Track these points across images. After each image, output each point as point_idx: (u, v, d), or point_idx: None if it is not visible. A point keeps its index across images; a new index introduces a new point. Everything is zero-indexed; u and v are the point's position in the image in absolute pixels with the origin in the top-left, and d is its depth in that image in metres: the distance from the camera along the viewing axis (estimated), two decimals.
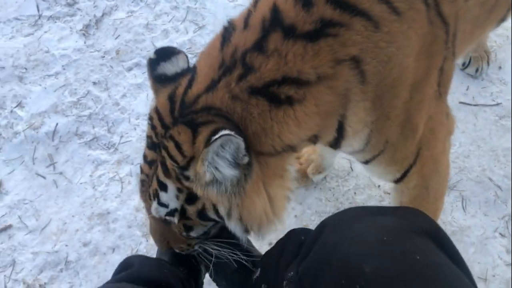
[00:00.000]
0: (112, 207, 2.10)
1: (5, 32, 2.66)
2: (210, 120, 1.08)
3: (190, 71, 1.20)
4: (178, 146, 1.11)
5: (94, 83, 2.49)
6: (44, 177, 2.18)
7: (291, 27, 1.08)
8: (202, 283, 1.60)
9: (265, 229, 1.23)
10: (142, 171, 1.27)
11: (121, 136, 2.31)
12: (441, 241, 0.94)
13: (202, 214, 1.20)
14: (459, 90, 2.51)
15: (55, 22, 2.73)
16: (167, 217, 1.24)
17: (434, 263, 0.84)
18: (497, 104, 2.45)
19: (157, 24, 2.73)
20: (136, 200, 2.12)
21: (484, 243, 2.03)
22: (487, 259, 1.99)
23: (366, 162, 1.40)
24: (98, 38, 2.66)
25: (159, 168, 1.18)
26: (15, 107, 2.38)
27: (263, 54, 1.09)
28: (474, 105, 2.45)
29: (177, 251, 1.39)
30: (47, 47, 2.61)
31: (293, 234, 1.37)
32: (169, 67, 1.24)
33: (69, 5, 2.79)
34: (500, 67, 2.59)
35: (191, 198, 1.18)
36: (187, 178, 1.14)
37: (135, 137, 2.31)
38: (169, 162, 1.15)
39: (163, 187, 1.18)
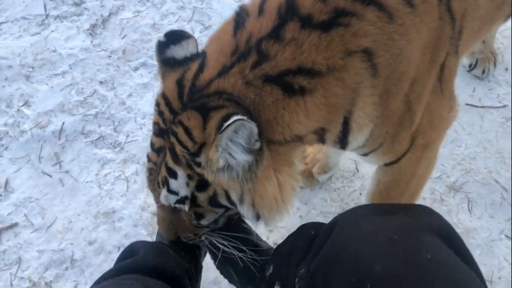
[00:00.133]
0: (117, 206, 2.11)
1: (13, 31, 2.68)
2: (221, 104, 1.07)
3: (199, 56, 1.18)
4: (188, 132, 1.10)
5: (101, 82, 2.50)
6: (50, 176, 2.19)
7: (308, 17, 1.08)
8: (201, 267, 1.59)
9: (273, 216, 1.22)
10: (149, 160, 1.25)
11: (127, 135, 2.32)
12: (451, 240, 0.93)
13: (213, 201, 1.19)
14: (465, 91, 2.50)
15: (62, 21, 2.74)
16: (177, 205, 1.22)
17: (444, 262, 0.83)
18: (504, 106, 2.44)
19: (164, 24, 2.74)
20: (141, 199, 2.13)
21: (490, 245, 2.02)
22: (493, 261, 1.98)
23: (365, 155, 1.40)
24: (105, 37, 2.67)
25: (168, 155, 1.16)
26: (22, 106, 2.39)
27: (280, 42, 1.08)
28: (481, 107, 2.45)
29: (183, 240, 1.38)
30: (54, 46, 2.62)
31: (303, 229, 1.37)
32: (179, 51, 1.21)
33: (76, 4, 2.80)
34: (506, 69, 2.59)
35: (202, 185, 1.16)
36: (198, 165, 1.12)
37: (141, 136, 2.32)
38: (178, 149, 1.13)
39: (173, 174, 1.16)
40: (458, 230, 2.01)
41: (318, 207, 2.13)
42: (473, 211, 2.12)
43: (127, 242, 2.02)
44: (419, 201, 2.12)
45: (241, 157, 1.09)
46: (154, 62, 2.35)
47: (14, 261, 1.97)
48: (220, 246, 1.38)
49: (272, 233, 2.04)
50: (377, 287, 0.82)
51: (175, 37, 1.22)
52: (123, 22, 2.73)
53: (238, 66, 1.09)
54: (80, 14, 2.77)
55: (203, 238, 1.38)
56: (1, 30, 2.68)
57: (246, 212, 1.19)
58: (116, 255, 1.98)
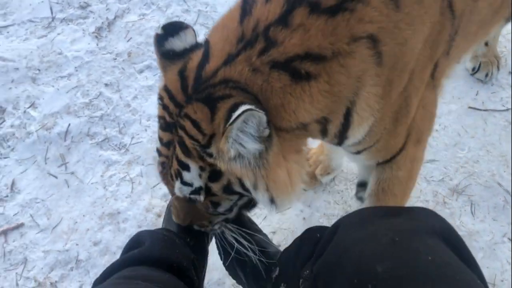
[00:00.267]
0: (122, 207, 2.13)
1: (19, 34, 2.70)
2: (227, 94, 1.07)
3: (199, 46, 1.18)
4: (196, 125, 1.10)
5: (106, 84, 2.52)
6: (56, 177, 2.21)
7: (317, 2, 1.07)
8: (207, 252, 1.60)
9: (285, 200, 1.22)
10: (160, 154, 1.24)
11: (132, 137, 2.34)
12: (453, 242, 0.94)
13: (228, 189, 1.19)
14: (468, 95, 2.51)
15: (68, 24, 2.76)
16: (192, 196, 1.22)
17: (446, 264, 0.84)
18: (507, 109, 2.45)
19: None
20: (146, 200, 2.14)
21: (493, 248, 2.03)
22: (495, 264, 1.99)
23: (358, 153, 1.39)
24: (110, 40, 2.70)
25: (178, 148, 1.16)
26: (28, 107, 2.42)
27: (288, 28, 1.07)
28: (484, 110, 2.45)
29: (196, 228, 1.38)
30: (60, 49, 2.65)
31: (309, 233, 1.37)
32: (177, 43, 1.20)
33: (82, 7, 2.83)
34: (510, 72, 2.59)
35: (215, 175, 1.16)
36: (210, 155, 1.12)
37: (146, 138, 2.34)
38: (188, 142, 1.13)
39: (185, 167, 1.17)
40: (460, 233, 2.02)
41: (322, 209, 2.14)
42: (476, 214, 2.12)
43: None
44: (421, 204, 2.13)
45: (252, 146, 1.09)
46: None
47: (20, 261, 1.99)
48: (231, 239, 1.39)
49: (275, 234, 2.06)
50: None
51: (172, 28, 1.21)
52: (128, 25, 2.75)
53: (245, 53, 1.08)
54: (86, 17, 2.79)
55: (216, 227, 1.39)
56: (8, 32, 2.71)
57: (261, 197, 1.19)
58: None
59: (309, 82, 1.09)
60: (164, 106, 1.17)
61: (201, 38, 2.77)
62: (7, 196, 2.16)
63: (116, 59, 2.62)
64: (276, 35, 1.07)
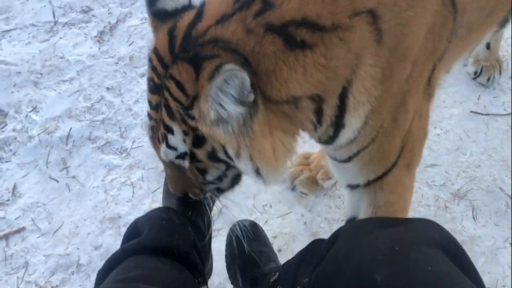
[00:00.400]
0: (123, 211, 2.13)
1: (22, 38, 2.72)
2: (215, 54, 1.04)
3: (192, 7, 1.15)
4: (180, 86, 1.07)
5: (108, 88, 2.52)
6: (57, 181, 2.22)
7: None
8: (210, 222, 1.59)
9: (271, 173, 1.19)
10: (150, 118, 1.22)
11: (133, 141, 2.34)
12: (453, 252, 0.93)
13: (212, 156, 1.17)
14: (470, 99, 2.51)
15: (70, 28, 2.77)
16: (177, 160, 1.21)
17: (445, 274, 0.84)
18: (509, 114, 2.44)
19: None
20: (147, 204, 2.14)
21: (495, 253, 2.02)
22: (497, 269, 1.98)
23: (348, 159, 1.32)
24: (112, 44, 2.70)
25: (164, 110, 1.14)
26: (30, 111, 2.43)
27: None
28: (486, 114, 2.45)
29: (190, 196, 1.37)
30: (62, 53, 2.65)
31: (315, 244, 1.36)
32: (169, 2, 1.17)
33: (84, 12, 2.84)
34: (511, 77, 2.59)
35: (199, 140, 1.14)
36: (192, 118, 1.10)
37: (147, 142, 2.34)
38: (172, 104, 1.11)
39: (170, 130, 1.15)
40: (462, 238, 2.03)
41: (323, 214, 2.14)
42: (477, 219, 2.12)
43: None
44: (423, 208, 2.13)
45: (233, 109, 1.05)
46: None
47: (21, 265, 2.00)
48: (223, 206, 1.40)
49: (276, 239, 2.05)
50: None
51: None
52: (130, 29, 2.76)
53: (240, 13, 1.05)
54: (88, 21, 2.80)
55: (208, 195, 1.37)
56: (10, 37, 2.72)
57: (244, 166, 1.16)
58: None
59: (304, 51, 1.06)
60: (152, 68, 1.15)
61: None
62: (8, 200, 2.16)
63: (118, 63, 2.63)
64: None
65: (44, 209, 2.14)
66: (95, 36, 2.73)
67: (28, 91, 2.50)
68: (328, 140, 1.27)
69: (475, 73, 2.54)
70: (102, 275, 1.21)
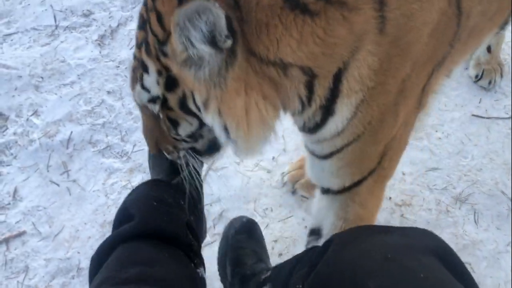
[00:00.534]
0: None
1: (23, 42, 2.72)
2: None
3: None
4: (159, 19, 1.04)
5: (109, 92, 2.52)
6: (58, 185, 2.22)
7: None
8: (202, 187, 1.56)
9: (241, 137, 1.13)
10: (134, 57, 1.18)
11: (134, 145, 2.34)
12: (448, 260, 0.92)
13: (183, 105, 1.13)
14: (472, 103, 2.50)
15: (71, 32, 2.78)
16: (150, 105, 1.18)
17: (438, 281, 0.83)
18: (510, 117, 2.43)
19: None
20: None
21: (497, 258, 2.01)
22: (499, 273, 1.97)
23: (330, 155, 1.27)
24: (113, 48, 2.71)
25: (143, 47, 1.11)
26: (31, 115, 2.43)
27: None
28: (487, 118, 2.44)
29: (165, 154, 1.35)
30: (63, 56, 2.66)
31: (311, 250, 1.35)
32: None
33: (85, 15, 2.85)
34: None
35: (171, 83, 1.11)
36: (165, 55, 1.06)
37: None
38: (151, 38, 1.07)
39: (145, 68, 1.12)
40: (464, 242, 2.02)
41: None
42: (479, 223, 2.11)
43: None
44: (424, 212, 2.12)
45: (202, 48, 0.99)
46: None
47: (21, 269, 1.99)
48: (191, 169, 1.35)
49: (277, 243, 2.05)
50: None
51: None
52: (131, 33, 2.76)
53: None
54: (89, 25, 2.81)
55: (181, 154, 1.34)
56: (11, 40, 2.73)
57: (212, 120, 1.12)
58: None
59: (304, 16, 1.01)
60: (145, 2, 1.11)
61: None
62: (9, 203, 2.16)
63: (118, 66, 2.63)
64: None
65: (45, 213, 2.14)
66: (96, 40, 2.74)
67: (29, 95, 2.50)
68: (314, 128, 1.22)
69: (477, 76, 2.54)
70: (97, 262, 1.18)
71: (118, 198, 2.18)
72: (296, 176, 2.16)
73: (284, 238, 2.06)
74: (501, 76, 2.54)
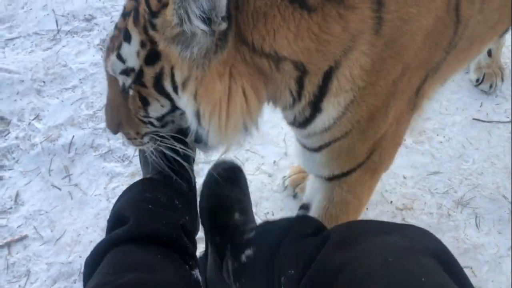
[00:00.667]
0: None
1: (25, 46, 2.73)
2: None
3: None
4: None
5: None
6: (59, 189, 2.22)
7: None
8: (195, 182, 1.54)
9: (214, 126, 1.11)
10: (116, 27, 1.16)
11: (136, 149, 2.34)
12: (447, 262, 0.92)
13: (158, 82, 1.11)
14: (472, 106, 2.51)
15: (73, 36, 2.79)
16: (121, 76, 1.16)
17: (439, 285, 0.83)
18: (511, 121, 2.44)
19: None
20: None
21: (498, 262, 2.01)
22: (500, 278, 1.97)
23: (319, 149, 1.28)
24: None
25: (131, 16, 1.09)
26: (33, 119, 2.43)
27: None
28: (488, 122, 2.45)
29: (126, 141, 1.31)
30: (65, 61, 2.67)
31: (301, 221, 1.30)
32: None
33: (87, 20, 2.86)
34: None
35: (152, 56, 1.08)
36: (154, 27, 1.05)
37: None
38: (142, 8, 1.06)
39: (128, 38, 1.10)
40: (465, 246, 2.02)
41: None
42: (480, 227, 2.11)
43: None
44: (426, 216, 2.12)
45: (197, 25, 0.98)
46: None
47: (23, 274, 1.99)
48: (165, 151, 1.31)
49: None
50: None
51: None
52: None
53: None
54: (90, 29, 2.82)
55: (145, 139, 1.31)
56: (14, 45, 2.74)
57: (185, 104, 1.10)
58: None
59: (302, 11, 1.01)
60: None
61: None
62: (11, 208, 2.16)
63: None
64: None
65: (47, 217, 2.14)
66: (97, 44, 2.75)
67: (31, 99, 2.51)
68: (304, 122, 1.22)
69: (477, 80, 2.54)
70: (91, 265, 1.17)
71: None
72: (297, 180, 2.17)
73: None
74: (502, 80, 2.54)
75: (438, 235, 1.05)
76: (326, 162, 1.31)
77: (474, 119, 2.45)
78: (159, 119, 1.23)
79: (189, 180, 1.53)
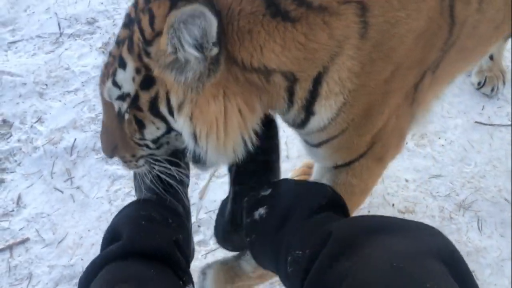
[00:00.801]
0: None
1: (28, 49, 2.74)
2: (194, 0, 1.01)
3: None
4: (151, 20, 1.06)
5: None
6: (61, 192, 2.22)
7: None
8: (189, 208, 1.56)
9: (212, 145, 1.14)
10: (110, 54, 1.20)
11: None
12: (453, 264, 0.90)
13: (154, 106, 1.14)
14: (474, 110, 2.51)
15: (76, 39, 2.80)
16: (118, 102, 1.19)
17: None
18: None
19: None
20: None
21: (501, 265, 2.00)
22: (503, 281, 1.96)
23: (319, 145, 1.31)
24: None
25: (125, 44, 1.12)
26: (35, 122, 2.44)
27: None
28: (490, 125, 2.45)
29: (121, 164, 1.33)
30: (67, 64, 2.67)
31: (317, 190, 1.27)
32: None
33: (89, 23, 2.87)
34: None
35: (147, 82, 1.12)
36: (148, 55, 1.09)
37: None
38: (136, 36, 1.09)
39: (123, 65, 1.13)
40: (467, 249, 2.01)
41: None
42: (483, 230, 2.10)
43: None
44: (427, 219, 2.12)
45: (190, 52, 1.03)
46: None
47: (25, 276, 1.99)
48: (160, 174, 1.33)
49: None
50: None
51: None
52: None
53: None
54: (93, 32, 2.83)
55: (140, 162, 1.33)
56: (16, 48, 2.75)
57: (182, 125, 1.13)
58: None
59: (285, 23, 1.04)
60: (135, 4, 1.14)
61: None
62: (13, 210, 2.17)
63: None
64: None
65: (49, 220, 2.14)
66: (100, 47, 2.76)
67: (33, 102, 2.51)
68: (301, 124, 1.26)
69: (479, 83, 2.54)
70: (84, 283, 1.17)
71: (121, 205, 2.18)
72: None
73: None
74: (504, 83, 2.54)
75: None
76: (328, 156, 1.35)
77: (476, 122, 2.45)
78: (154, 141, 1.26)
79: (184, 203, 1.55)
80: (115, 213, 2.13)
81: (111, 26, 2.84)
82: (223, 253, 1.95)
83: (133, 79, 1.14)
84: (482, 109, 2.51)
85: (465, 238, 2.07)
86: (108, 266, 1.17)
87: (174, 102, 1.12)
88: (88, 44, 2.77)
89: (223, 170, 2.25)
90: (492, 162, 2.31)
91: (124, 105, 1.18)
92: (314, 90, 1.15)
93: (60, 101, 2.53)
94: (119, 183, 2.25)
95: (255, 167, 1.40)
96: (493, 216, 2.14)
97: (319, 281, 0.98)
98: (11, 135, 2.39)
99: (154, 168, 1.35)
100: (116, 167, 2.30)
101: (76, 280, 1.97)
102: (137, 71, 1.12)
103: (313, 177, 1.58)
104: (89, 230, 2.11)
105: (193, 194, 2.18)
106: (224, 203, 1.58)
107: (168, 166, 1.35)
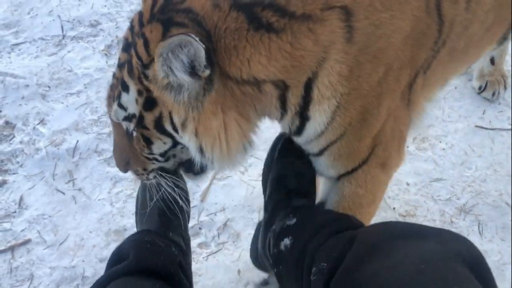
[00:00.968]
0: (129, 224, 2.13)
1: (31, 51, 2.75)
2: (184, 23, 1.07)
3: None
4: (146, 44, 1.11)
5: None
6: (63, 193, 2.23)
7: None
8: (189, 242, 1.63)
9: (218, 156, 1.21)
10: (114, 76, 1.25)
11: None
12: (479, 269, 0.87)
13: (159, 124, 1.19)
14: (475, 114, 2.51)
15: (79, 42, 2.81)
16: (125, 122, 1.24)
17: None
18: None
19: None
20: None
21: (502, 269, 2.00)
22: (504, 285, 1.96)
23: (320, 153, 1.34)
24: None
25: (126, 68, 1.18)
26: (38, 124, 2.45)
27: None
28: (491, 129, 2.45)
29: (134, 177, 1.40)
30: (70, 66, 2.69)
31: (342, 219, 1.28)
32: None
33: (92, 26, 2.88)
34: None
35: (150, 103, 1.17)
36: (147, 77, 1.13)
37: None
38: (134, 60, 1.14)
39: (125, 88, 1.18)
40: None
41: None
42: (483, 234, 2.11)
43: None
44: (428, 223, 2.12)
45: (183, 77, 1.08)
46: None
47: (26, 278, 2.00)
48: (167, 188, 1.39)
49: None
50: None
51: None
52: None
53: None
54: (96, 35, 2.84)
55: (151, 176, 1.40)
56: (19, 50, 2.76)
57: (188, 140, 1.18)
58: None
59: (269, 35, 1.08)
60: (131, 27, 1.19)
61: None
62: (15, 211, 2.17)
63: None
64: None
65: (50, 221, 2.15)
66: (102, 50, 2.77)
67: (36, 104, 2.52)
68: (298, 131, 1.29)
69: (480, 88, 2.55)
70: None
71: (123, 206, 2.19)
72: None
73: None
74: (505, 87, 2.55)
75: None
76: (330, 164, 1.37)
77: (476, 126, 2.46)
78: (162, 154, 1.31)
79: (184, 236, 1.59)
80: (117, 215, 2.16)
81: (114, 29, 2.86)
82: (224, 256, 1.95)
83: (136, 101, 1.18)
84: (483, 114, 2.51)
85: None
86: (112, 283, 1.19)
87: (177, 121, 1.17)
88: (91, 46, 2.79)
89: (224, 173, 2.26)
90: (493, 166, 2.32)
91: (131, 125, 1.24)
92: (306, 96, 1.18)
93: (62, 103, 2.54)
94: (121, 185, 2.26)
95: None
96: (494, 220, 2.14)
97: (345, 282, 0.98)
98: (13, 137, 2.40)
99: (162, 185, 1.41)
100: (118, 169, 2.30)
101: (77, 282, 1.98)
102: (139, 93, 1.17)
103: (319, 195, 1.60)
104: (90, 232, 2.12)
105: (194, 196, 2.19)
106: (258, 227, 1.66)
107: (174, 187, 1.41)
